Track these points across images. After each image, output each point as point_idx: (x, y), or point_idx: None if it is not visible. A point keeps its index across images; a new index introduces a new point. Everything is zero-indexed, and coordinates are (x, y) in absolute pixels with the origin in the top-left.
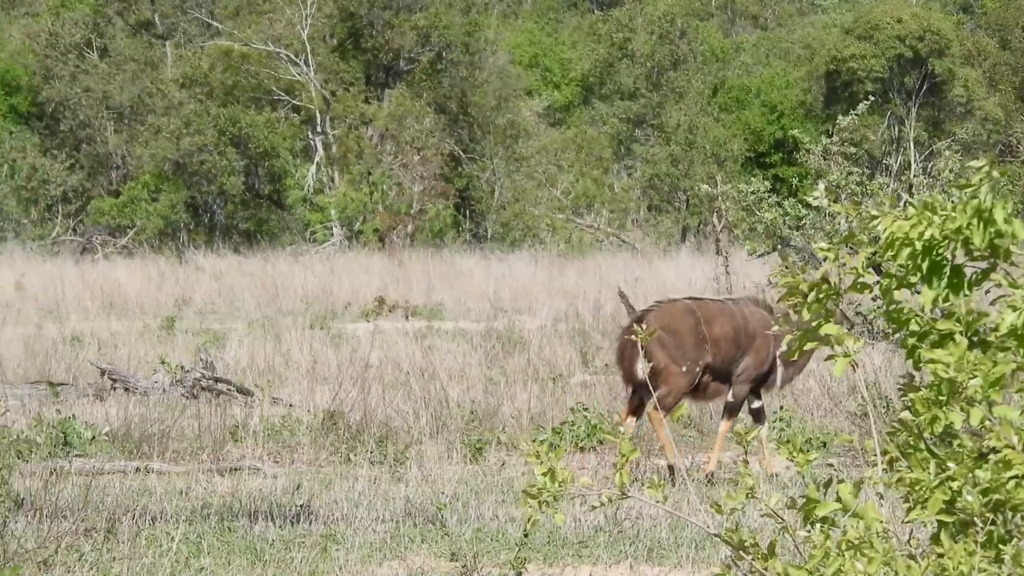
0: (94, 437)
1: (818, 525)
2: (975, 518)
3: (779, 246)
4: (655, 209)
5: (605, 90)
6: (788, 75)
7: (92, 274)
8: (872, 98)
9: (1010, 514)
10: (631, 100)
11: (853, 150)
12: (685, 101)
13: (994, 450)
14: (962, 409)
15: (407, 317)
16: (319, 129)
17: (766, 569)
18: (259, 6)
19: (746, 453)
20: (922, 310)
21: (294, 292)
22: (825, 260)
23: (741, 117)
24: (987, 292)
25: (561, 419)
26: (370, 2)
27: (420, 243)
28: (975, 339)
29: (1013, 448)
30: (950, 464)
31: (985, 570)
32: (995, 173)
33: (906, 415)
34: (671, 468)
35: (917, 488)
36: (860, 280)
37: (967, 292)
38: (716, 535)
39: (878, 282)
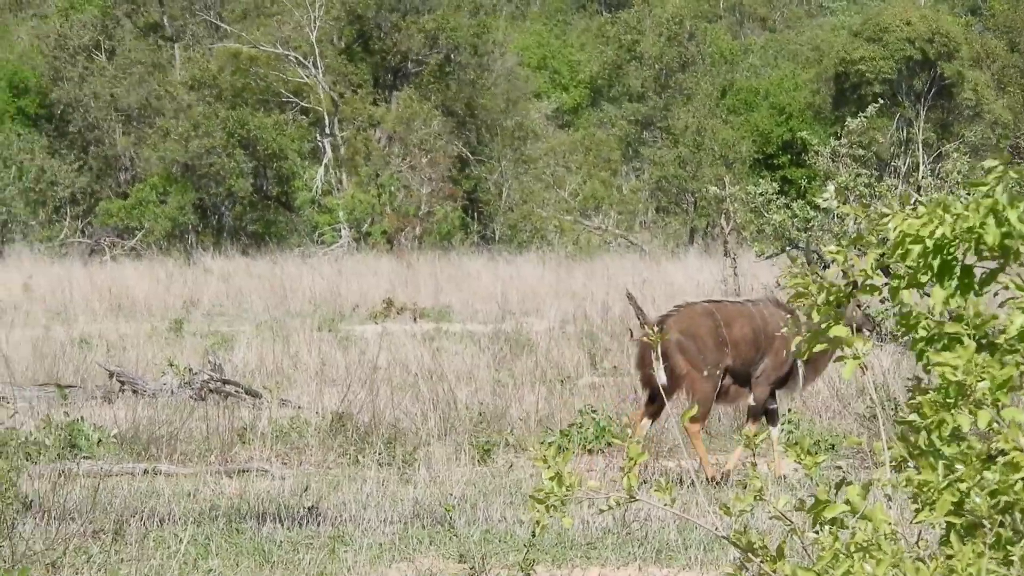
0: (102, 439)
1: (827, 527)
2: (983, 520)
3: (787, 248)
4: (663, 211)
5: (613, 92)
6: (796, 77)
7: (100, 276)
8: (881, 100)
9: (1018, 516)
10: (639, 102)
11: (862, 152)
12: (693, 103)
13: (1002, 452)
14: (970, 412)
15: (415, 319)
16: (327, 131)
17: (775, 571)
18: (267, 9)
19: (754, 455)
20: (930, 311)
21: (302, 294)
22: (833, 262)
23: (749, 119)
24: (995, 295)
25: (569, 421)
26: (377, 4)
27: (428, 245)
28: (983, 342)
29: (1021, 450)
30: (958, 466)
31: (994, 572)
32: (1012, 174)
33: (914, 418)
34: (712, 479)
35: (925, 490)
36: (869, 282)
37: (978, 292)
38: (725, 537)
39: (887, 284)
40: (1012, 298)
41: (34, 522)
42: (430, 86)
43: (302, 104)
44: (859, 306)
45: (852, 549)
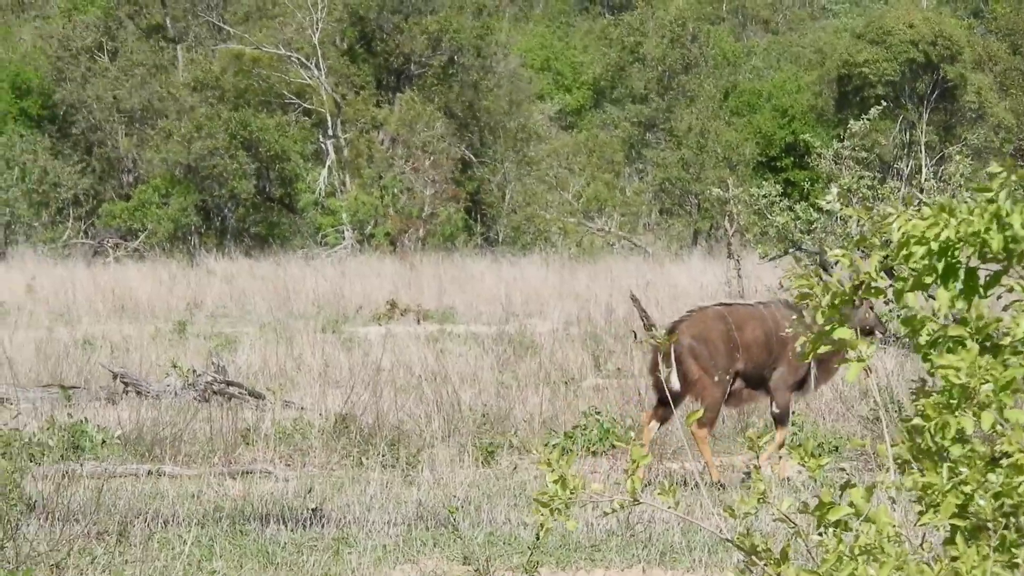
0: (105, 440)
1: (831, 529)
2: (988, 522)
3: (790, 250)
4: (666, 213)
5: (616, 94)
6: (799, 79)
7: (103, 277)
8: (883, 103)
9: (1023, 518)
10: (642, 104)
11: (864, 154)
12: (696, 105)
13: (1006, 454)
14: (974, 414)
15: (419, 321)
16: (330, 133)
17: (779, 574)
18: (269, 10)
19: (758, 458)
20: (934, 313)
21: (306, 296)
22: (838, 264)
23: (752, 121)
24: (999, 298)
25: (573, 423)
26: (379, 6)
27: (431, 247)
28: (987, 344)
29: None
30: (962, 468)
31: (998, 574)
32: (1013, 177)
33: (918, 420)
34: (721, 485)
35: (930, 492)
36: (873, 284)
37: (982, 294)
38: (729, 540)
39: (891, 286)
40: (1017, 301)
41: (38, 523)
42: (433, 88)
43: (305, 106)
44: (871, 308)
45: (856, 552)
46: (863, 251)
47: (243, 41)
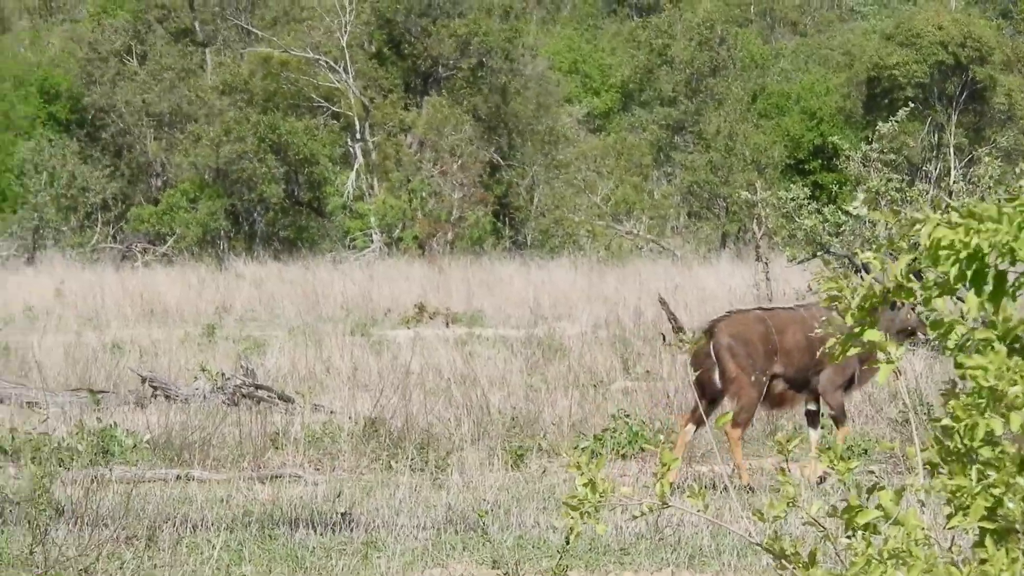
0: (135, 445)
1: (859, 533)
2: (1017, 525)
3: (819, 252)
4: (695, 216)
5: (644, 96)
6: (827, 81)
7: (132, 281)
8: (912, 104)
9: None
10: (671, 106)
11: (893, 157)
12: (724, 108)
13: None
14: (1003, 416)
15: (447, 324)
16: (358, 136)
17: None
18: (298, 14)
19: (787, 460)
20: (963, 316)
21: (334, 299)
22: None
23: (780, 124)
24: None
25: (602, 426)
26: (407, 9)
27: (460, 250)
28: (1015, 346)
29: None
30: (991, 471)
31: None
32: None
33: (947, 422)
34: (750, 488)
35: (959, 495)
36: (902, 286)
37: (1011, 298)
38: (758, 543)
39: (920, 288)
40: None
41: (67, 528)
42: (461, 91)
43: (333, 109)
44: (913, 309)
45: (885, 555)
46: (892, 254)
47: (271, 44)
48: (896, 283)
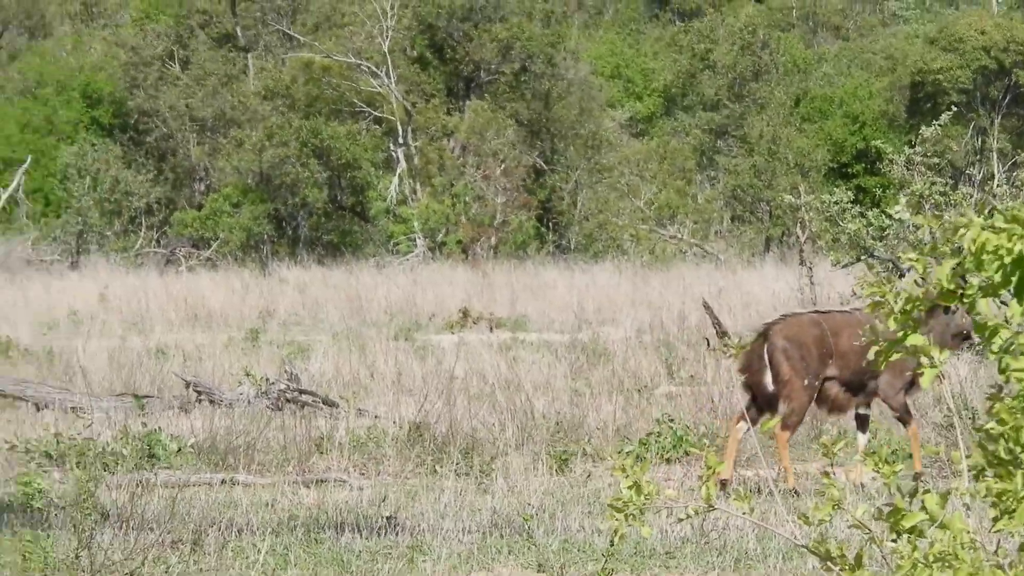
0: (179, 449)
1: (905, 536)
2: None
3: (863, 256)
4: (738, 220)
5: (687, 101)
6: (870, 86)
7: (176, 286)
8: (955, 108)
9: None
10: (713, 111)
11: (936, 160)
12: (767, 112)
13: None
14: None
15: (491, 329)
16: (401, 141)
17: None
18: (339, 19)
19: (832, 464)
20: (1007, 320)
21: (378, 304)
22: (911, 269)
23: (823, 127)
24: None
25: (647, 430)
26: (449, 14)
27: (503, 255)
28: None
29: None
30: None
31: None
32: None
33: (992, 425)
34: (795, 492)
35: (1004, 498)
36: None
37: None
38: (804, 546)
39: (963, 292)
40: None
41: (112, 532)
42: (503, 96)
43: (375, 113)
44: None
45: (931, 558)
46: (936, 258)
47: (313, 50)
48: (940, 288)
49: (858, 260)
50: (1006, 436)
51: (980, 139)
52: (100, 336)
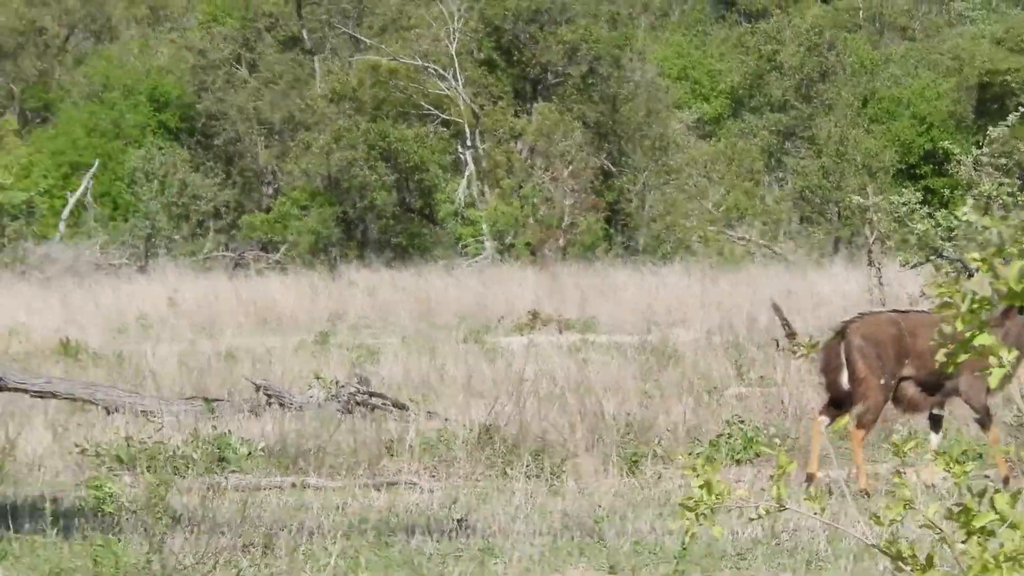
0: (250, 453)
1: (975, 536)
2: None
3: (932, 257)
4: (807, 221)
5: (754, 102)
6: (938, 86)
7: (245, 290)
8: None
9: None
10: (781, 112)
11: (1004, 161)
12: (835, 113)
13: None
14: None
15: (561, 330)
16: (468, 143)
17: None
18: (405, 22)
19: (903, 464)
20: None
21: (447, 306)
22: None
23: (891, 128)
24: None
25: (717, 432)
26: (515, 16)
27: (572, 256)
28: None
29: None
30: None
31: None
32: None
33: None
34: (866, 493)
35: None
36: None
37: None
38: (875, 546)
39: None
40: None
41: (184, 536)
42: (570, 98)
43: (443, 116)
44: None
45: (1001, 558)
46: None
47: (380, 52)
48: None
49: (927, 261)
50: None
51: None
52: (170, 340)
